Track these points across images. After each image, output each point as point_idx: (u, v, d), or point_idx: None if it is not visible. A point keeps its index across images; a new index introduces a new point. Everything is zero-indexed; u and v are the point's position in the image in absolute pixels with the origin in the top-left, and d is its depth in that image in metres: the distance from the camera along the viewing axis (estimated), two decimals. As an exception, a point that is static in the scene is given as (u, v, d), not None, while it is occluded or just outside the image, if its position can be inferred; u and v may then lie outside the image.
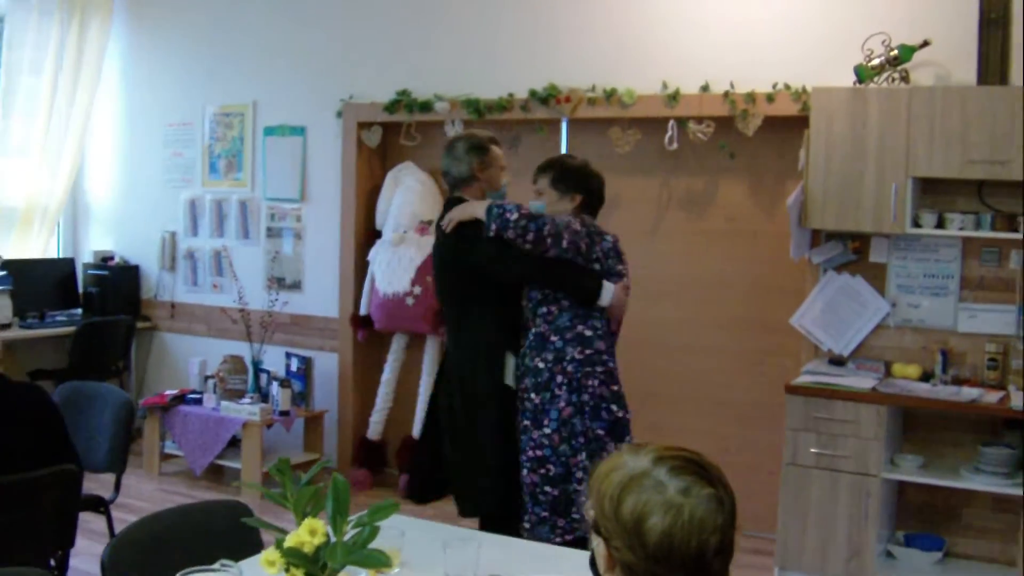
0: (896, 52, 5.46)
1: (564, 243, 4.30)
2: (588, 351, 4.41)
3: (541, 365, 4.40)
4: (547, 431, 4.34)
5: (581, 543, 3.90)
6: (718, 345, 6.43)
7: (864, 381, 5.43)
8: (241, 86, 7.93)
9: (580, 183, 4.61)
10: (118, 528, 3.75)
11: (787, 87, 5.91)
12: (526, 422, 4.42)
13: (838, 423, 5.28)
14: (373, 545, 2.86)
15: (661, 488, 1.87)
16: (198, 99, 8.15)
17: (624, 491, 1.87)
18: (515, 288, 4.57)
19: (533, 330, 4.50)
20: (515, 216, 4.25)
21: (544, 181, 4.64)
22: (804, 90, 5.82)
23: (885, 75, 5.52)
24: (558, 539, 4.34)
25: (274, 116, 7.78)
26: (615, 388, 4.46)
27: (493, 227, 4.27)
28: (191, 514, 3.39)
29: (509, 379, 4.53)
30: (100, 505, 4.99)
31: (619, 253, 4.67)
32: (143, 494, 7.03)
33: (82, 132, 8.52)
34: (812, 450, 5.33)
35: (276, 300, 7.51)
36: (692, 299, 6.49)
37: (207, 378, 7.42)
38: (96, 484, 5.73)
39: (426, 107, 6.98)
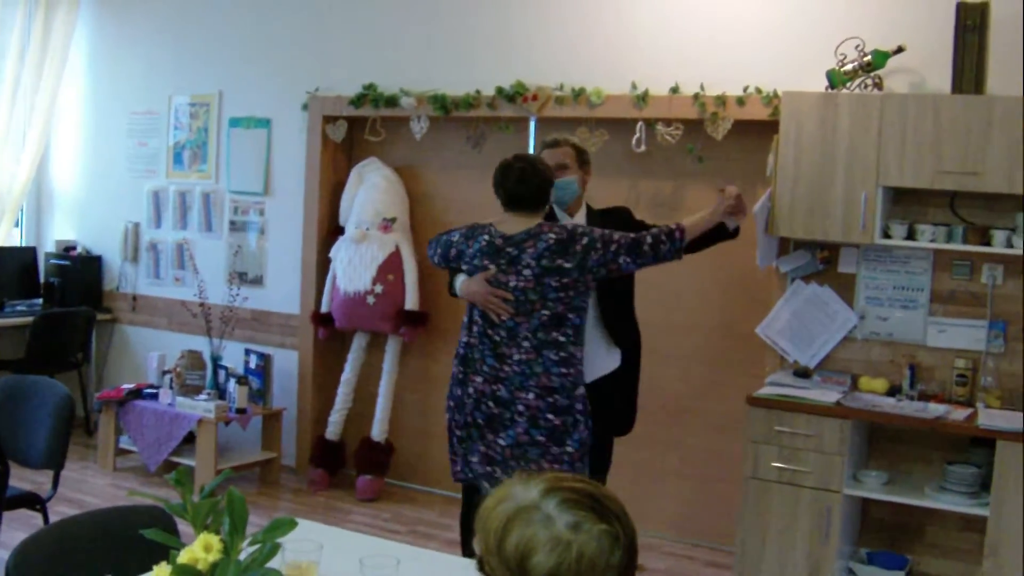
0: (870, 58, 5.34)
1: (436, 260, 4.93)
2: (462, 337, 4.75)
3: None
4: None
5: None
6: (682, 352, 6.30)
7: (829, 394, 5.30)
8: (207, 76, 7.78)
9: (496, 184, 4.69)
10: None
11: (758, 91, 5.79)
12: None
13: (801, 437, 5.15)
14: (289, 559, 2.73)
15: (549, 523, 1.69)
16: (164, 88, 7.99)
17: (509, 525, 1.70)
18: None
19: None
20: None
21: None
22: (775, 94, 5.69)
23: (858, 81, 5.39)
24: None
25: (240, 107, 7.63)
26: (460, 374, 4.70)
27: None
28: (108, 519, 3.23)
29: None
30: (36, 503, 4.83)
31: (492, 248, 4.59)
32: (94, 489, 6.88)
33: (47, 118, 8.36)
34: (774, 464, 5.20)
35: (237, 295, 7.35)
36: (658, 304, 6.33)
37: (164, 373, 7.26)
38: (37, 480, 5.61)
39: (392, 102, 6.84)
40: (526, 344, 4.50)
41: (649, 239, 4.61)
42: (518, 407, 4.50)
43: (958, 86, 5.16)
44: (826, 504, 5.09)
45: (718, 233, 4.96)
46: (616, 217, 5.11)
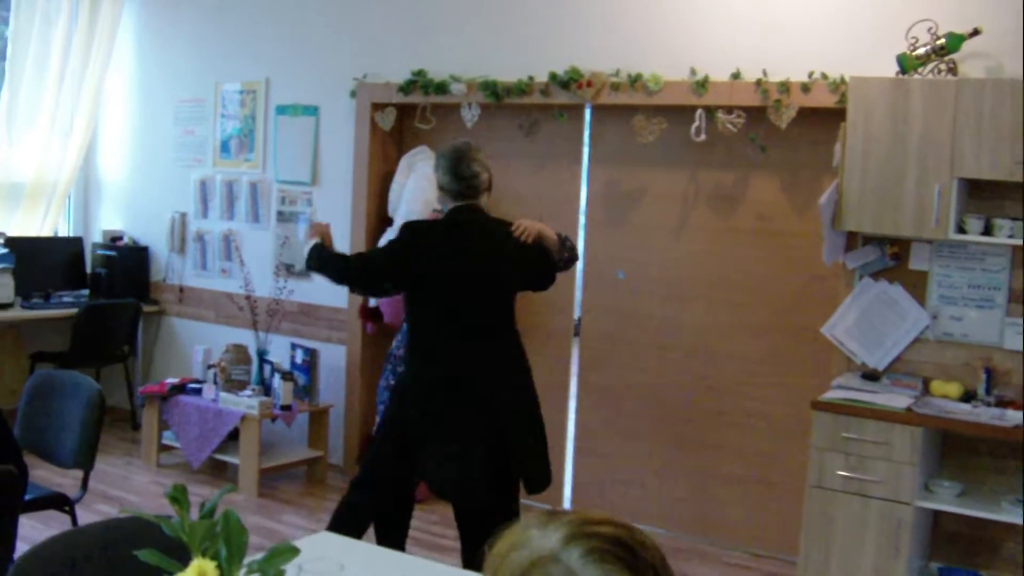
0: (943, 41, 5.01)
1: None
2: None
3: None
4: None
5: None
6: (744, 353, 6.01)
7: (899, 399, 4.99)
8: (254, 62, 7.59)
9: None
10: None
11: (824, 76, 5.47)
12: None
13: (869, 444, 4.86)
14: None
15: None
16: (211, 75, 7.83)
17: None
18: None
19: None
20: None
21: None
22: (842, 80, 5.37)
23: (931, 66, 5.07)
24: None
25: (287, 94, 7.43)
26: None
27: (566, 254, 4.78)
28: (118, 530, 3.00)
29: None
30: (65, 504, 4.65)
31: None
32: (136, 487, 6.73)
33: (93, 106, 8.24)
34: (840, 472, 4.91)
35: (284, 288, 7.16)
36: (718, 303, 6.08)
37: (209, 367, 7.09)
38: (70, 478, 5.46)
39: (442, 88, 6.60)
40: None
41: None
42: None
43: (1040, 70, 4.83)
44: (896, 516, 4.80)
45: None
46: None
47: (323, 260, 4.72)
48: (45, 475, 5.65)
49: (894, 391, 5.17)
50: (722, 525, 6.10)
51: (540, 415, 4.76)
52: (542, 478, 4.72)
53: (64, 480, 5.76)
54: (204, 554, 2.16)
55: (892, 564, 4.80)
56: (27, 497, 4.49)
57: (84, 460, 4.60)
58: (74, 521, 4.69)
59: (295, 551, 2.14)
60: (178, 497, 2.25)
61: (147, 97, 8.26)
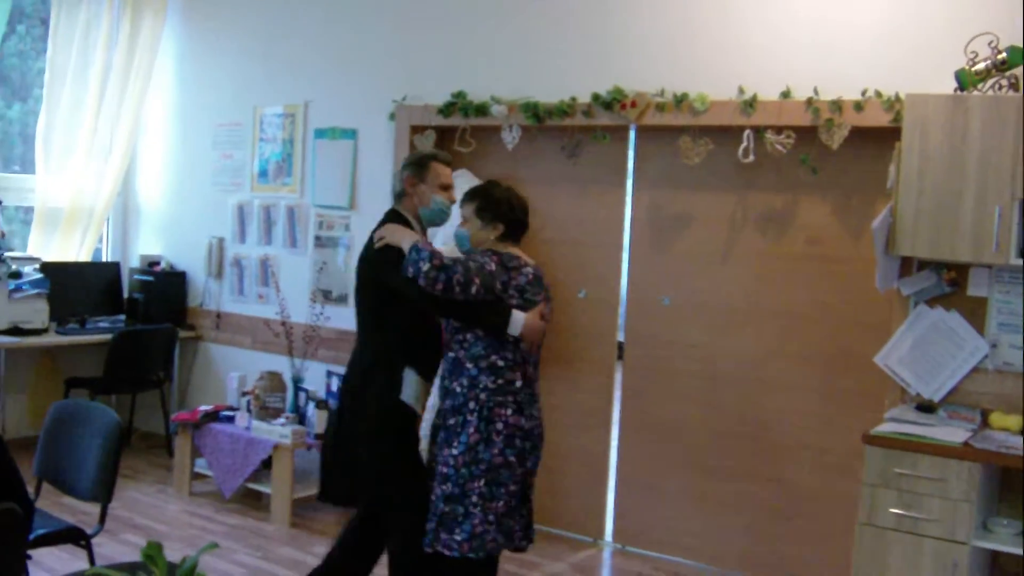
0: (1004, 55, 4.79)
1: (473, 289, 4.26)
2: (500, 380, 4.39)
3: (457, 389, 4.44)
4: (455, 452, 4.39)
5: (460, 563, 4.38)
6: (793, 383, 5.77)
7: (956, 433, 4.74)
8: (293, 86, 7.49)
9: (503, 213, 4.53)
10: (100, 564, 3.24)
11: (878, 94, 5.26)
12: (440, 438, 4.50)
13: (923, 480, 4.60)
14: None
15: None
16: (249, 98, 7.74)
17: None
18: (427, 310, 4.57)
19: (450, 354, 4.51)
20: (427, 267, 4.22)
21: (469, 209, 4.61)
22: (897, 98, 5.16)
23: (991, 82, 4.85)
24: (432, 550, 4.41)
25: (326, 118, 7.32)
26: (523, 421, 4.43)
27: (409, 270, 4.28)
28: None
29: (407, 396, 4.53)
30: (80, 539, 4.48)
31: (540, 281, 4.54)
32: (166, 516, 6.58)
33: (132, 131, 8.19)
34: (892, 510, 4.66)
35: (320, 314, 7.01)
36: (766, 330, 5.85)
37: (243, 394, 6.94)
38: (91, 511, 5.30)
39: (482, 110, 6.44)
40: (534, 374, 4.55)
41: None
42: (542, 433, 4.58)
43: (1107, 87, 4.59)
44: (952, 556, 4.54)
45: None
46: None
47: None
48: (71, 504, 5.53)
49: (950, 424, 4.91)
50: (770, 562, 5.86)
51: (358, 425, 4.59)
52: (328, 490, 4.83)
53: (89, 511, 5.61)
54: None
55: (949, 607, 4.55)
56: (41, 531, 4.34)
57: (102, 493, 4.43)
58: (90, 556, 4.54)
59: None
60: (153, 555, 2.07)
61: (186, 121, 8.19)
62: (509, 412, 4.36)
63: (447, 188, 4.75)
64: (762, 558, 5.87)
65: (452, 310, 4.40)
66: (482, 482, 4.34)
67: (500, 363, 4.38)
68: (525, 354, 4.42)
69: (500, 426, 4.35)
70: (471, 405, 4.38)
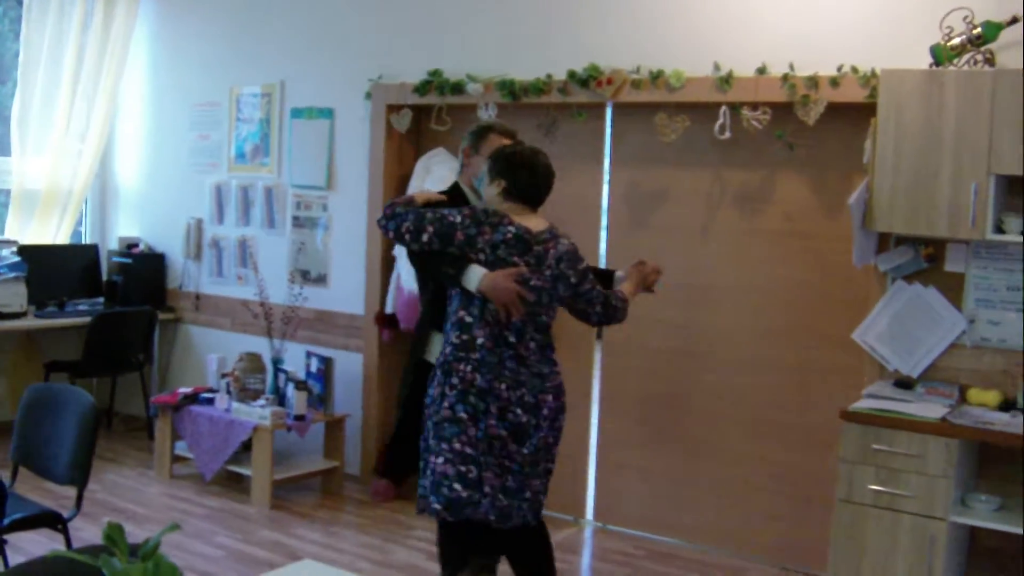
0: (980, 30, 4.76)
1: (424, 237, 4.25)
2: (465, 337, 4.30)
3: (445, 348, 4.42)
4: (426, 403, 4.43)
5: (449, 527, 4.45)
6: (771, 359, 5.76)
7: (933, 409, 4.73)
8: (269, 65, 7.42)
9: (503, 171, 4.37)
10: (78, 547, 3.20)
11: (854, 70, 5.22)
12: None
13: (901, 457, 4.60)
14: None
15: None
16: (225, 78, 7.67)
17: None
18: None
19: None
20: (380, 216, 4.36)
21: (484, 165, 4.52)
22: (873, 73, 5.12)
23: (967, 57, 4.82)
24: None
25: (302, 97, 7.26)
26: (479, 380, 4.27)
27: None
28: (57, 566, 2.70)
29: (431, 356, 4.65)
30: (57, 522, 4.46)
31: (522, 243, 4.29)
32: (147, 499, 6.56)
33: (108, 112, 8.12)
34: (870, 486, 4.66)
35: (299, 295, 6.98)
36: (744, 307, 5.84)
37: (223, 376, 6.91)
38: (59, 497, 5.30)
39: (458, 89, 6.40)
40: (533, 345, 4.32)
41: (613, 301, 4.51)
42: (543, 411, 4.31)
43: (1082, 61, 4.57)
44: (929, 532, 4.54)
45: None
46: None
47: None
48: (52, 489, 5.52)
49: (928, 400, 4.91)
50: (749, 538, 5.86)
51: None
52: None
53: (70, 496, 5.59)
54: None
55: (927, 582, 4.55)
56: (17, 516, 4.33)
57: (78, 476, 4.41)
58: (67, 541, 4.52)
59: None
60: (114, 537, 2.04)
61: (162, 102, 8.12)
62: (468, 369, 4.24)
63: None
64: (741, 535, 5.88)
65: (412, 259, 4.44)
66: (432, 435, 4.33)
67: (467, 319, 4.28)
68: (496, 315, 4.24)
69: (456, 380, 4.25)
70: (440, 359, 4.36)
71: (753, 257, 5.80)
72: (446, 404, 4.25)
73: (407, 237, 4.24)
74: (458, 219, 4.24)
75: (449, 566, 4.52)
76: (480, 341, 4.25)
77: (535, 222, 4.33)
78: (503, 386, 4.24)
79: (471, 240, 4.23)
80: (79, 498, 4.48)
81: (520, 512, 4.30)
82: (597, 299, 4.42)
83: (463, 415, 4.23)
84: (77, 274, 8.01)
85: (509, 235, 4.25)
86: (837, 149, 5.49)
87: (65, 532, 4.49)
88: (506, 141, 4.60)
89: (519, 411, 4.25)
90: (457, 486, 4.22)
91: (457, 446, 4.21)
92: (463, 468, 4.22)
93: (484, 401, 4.23)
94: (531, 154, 4.40)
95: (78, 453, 4.39)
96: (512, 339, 4.27)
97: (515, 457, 4.28)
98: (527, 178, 4.35)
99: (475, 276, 4.20)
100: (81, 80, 7.93)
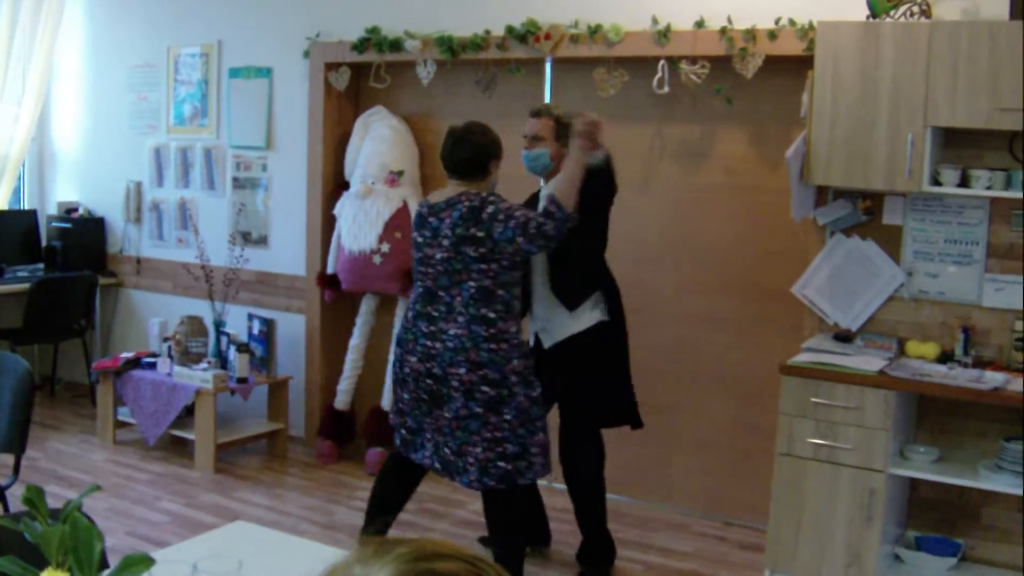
0: (915, -19, 4.73)
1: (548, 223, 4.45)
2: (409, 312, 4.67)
3: None
4: None
5: None
6: (711, 314, 5.77)
7: (872, 362, 4.74)
8: (206, 24, 7.28)
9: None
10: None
11: (791, 23, 5.20)
12: None
13: (840, 410, 4.61)
14: None
15: None
16: (163, 38, 7.52)
17: None
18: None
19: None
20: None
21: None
22: (811, 26, 5.09)
23: (903, 8, 4.79)
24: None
25: (240, 57, 7.13)
26: (402, 331, 4.70)
27: None
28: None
29: (589, 321, 5.04)
30: (-5, 490, 4.41)
31: (419, 219, 4.67)
32: (90, 466, 6.49)
33: (44, 74, 7.93)
34: (810, 440, 4.67)
35: (240, 256, 6.90)
36: (684, 262, 5.83)
37: (165, 340, 6.83)
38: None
39: (396, 46, 6.32)
40: (460, 319, 4.43)
41: (534, 222, 4.37)
42: (452, 383, 4.43)
43: (1017, 11, 4.54)
44: (869, 484, 4.56)
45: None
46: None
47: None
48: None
49: (867, 353, 4.92)
50: (691, 493, 5.88)
51: None
52: None
53: (7, 463, 5.52)
54: (60, 565, 1.91)
55: (865, 533, 4.57)
56: (-50, 485, 4.27)
57: (14, 444, 4.35)
58: (5, 508, 4.46)
59: (149, 561, 1.88)
60: (35, 500, 1.99)
61: (99, 63, 7.96)
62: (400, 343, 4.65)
63: (525, 138, 4.91)
64: (682, 490, 5.89)
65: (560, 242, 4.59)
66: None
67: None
68: (422, 295, 4.58)
69: (397, 351, 4.70)
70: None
71: (693, 212, 5.78)
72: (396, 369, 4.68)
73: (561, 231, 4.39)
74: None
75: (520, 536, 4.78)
76: (410, 315, 4.60)
77: (445, 193, 4.51)
78: (414, 359, 4.53)
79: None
80: (16, 465, 4.42)
81: (464, 472, 4.52)
82: (519, 231, 4.34)
83: (395, 361, 4.68)
84: (16, 240, 7.86)
85: (416, 215, 4.63)
86: (776, 102, 5.47)
87: (3, 500, 4.44)
88: (529, 120, 4.94)
89: (429, 381, 4.50)
90: (403, 431, 4.72)
91: (399, 391, 4.68)
92: (403, 419, 4.71)
93: (401, 349, 4.61)
94: (457, 127, 4.59)
95: (15, 420, 4.34)
96: (435, 313, 4.49)
97: (440, 419, 4.53)
98: (442, 149, 4.59)
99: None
100: (15, 41, 7.74)
